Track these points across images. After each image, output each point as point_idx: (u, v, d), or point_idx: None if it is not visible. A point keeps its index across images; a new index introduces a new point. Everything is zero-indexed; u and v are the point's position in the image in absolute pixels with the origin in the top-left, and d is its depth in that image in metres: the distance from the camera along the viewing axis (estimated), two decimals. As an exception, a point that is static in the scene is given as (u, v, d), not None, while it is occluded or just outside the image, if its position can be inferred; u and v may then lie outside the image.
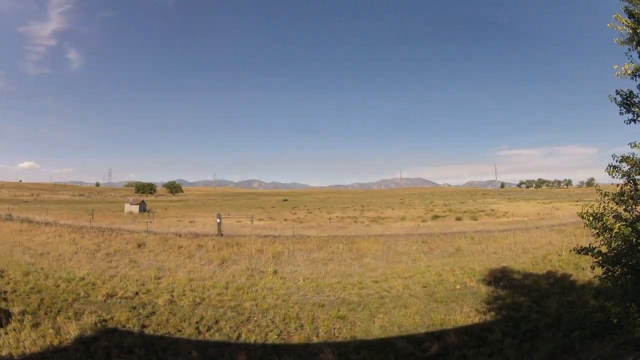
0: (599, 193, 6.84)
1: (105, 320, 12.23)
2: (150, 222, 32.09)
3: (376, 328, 12.26)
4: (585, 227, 6.80)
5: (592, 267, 7.39)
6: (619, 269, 6.53)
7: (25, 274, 16.99)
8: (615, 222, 6.38)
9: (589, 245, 7.03)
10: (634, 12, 6.60)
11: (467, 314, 13.07)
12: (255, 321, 12.83)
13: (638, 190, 6.63)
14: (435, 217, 44.65)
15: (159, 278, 17.40)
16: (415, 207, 64.19)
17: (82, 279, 16.75)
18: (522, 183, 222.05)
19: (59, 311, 12.84)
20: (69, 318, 12.05)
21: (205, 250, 21.73)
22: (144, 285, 16.34)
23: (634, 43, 6.66)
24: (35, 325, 11.28)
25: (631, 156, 6.61)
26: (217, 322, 12.65)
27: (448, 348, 10.25)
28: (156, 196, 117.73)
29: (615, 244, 6.29)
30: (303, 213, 51.60)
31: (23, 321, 11.46)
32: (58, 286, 15.67)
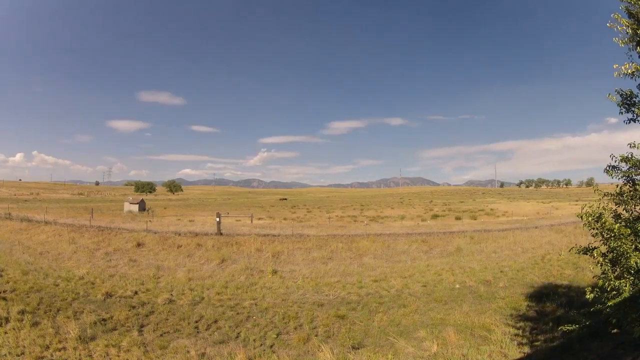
0: (597, 193, 6.83)
1: (104, 320, 12.23)
2: (150, 221, 32.08)
3: (375, 327, 12.26)
4: (585, 227, 6.80)
5: (592, 268, 7.39)
6: (618, 269, 6.52)
7: (25, 273, 16.99)
8: (615, 222, 6.37)
9: (589, 245, 7.02)
10: (634, 12, 6.58)
11: (466, 313, 13.08)
12: (255, 320, 12.84)
13: (637, 190, 6.62)
14: (435, 216, 44.65)
15: (158, 277, 17.41)
16: (414, 207, 64.20)
17: (82, 278, 16.76)
18: (521, 183, 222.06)
19: (58, 310, 12.85)
20: (68, 317, 12.05)
21: (204, 249, 21.71)
22: (143, 284, 16.34)
23: (634, 43, 6.64)
24: (35, 325, 11.28)
25: (630, 156, 6.59)
26: (216, 321, 12.65)
27: (448, 347, 10.26)
28: (156, 195, 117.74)
29: (615, 244, 6.28)
30: (302, 212, 51.57)
31: (22, 320, 11.46)
32: (57, 285, 15.68)
